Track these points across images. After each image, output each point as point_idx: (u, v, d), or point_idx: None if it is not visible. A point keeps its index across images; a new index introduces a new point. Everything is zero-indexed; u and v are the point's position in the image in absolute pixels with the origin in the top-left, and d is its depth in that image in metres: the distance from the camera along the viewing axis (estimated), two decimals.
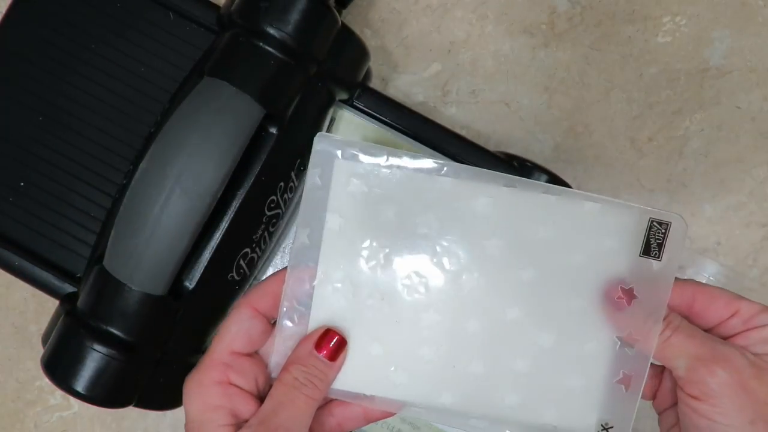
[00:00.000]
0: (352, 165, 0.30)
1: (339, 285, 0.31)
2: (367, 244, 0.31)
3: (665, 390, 0.33)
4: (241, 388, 0.31)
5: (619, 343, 0.31)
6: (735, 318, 0.30)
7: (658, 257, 0.30)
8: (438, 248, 0.31)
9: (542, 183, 0.31)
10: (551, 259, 0.31)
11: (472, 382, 0.31)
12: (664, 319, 0.30)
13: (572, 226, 0.30)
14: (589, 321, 0.31)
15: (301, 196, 0.32)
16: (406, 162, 0.30)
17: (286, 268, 0.31)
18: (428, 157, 0.30)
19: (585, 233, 0.30)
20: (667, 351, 0.30)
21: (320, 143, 0.30)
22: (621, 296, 0.30)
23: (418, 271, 0.31)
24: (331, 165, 0.30)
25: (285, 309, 0.31)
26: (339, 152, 0.30)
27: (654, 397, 0.34)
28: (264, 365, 0.32)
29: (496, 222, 0.31)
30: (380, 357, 0.31)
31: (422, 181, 0.30)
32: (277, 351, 0.32)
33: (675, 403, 0.32)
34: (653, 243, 0.30)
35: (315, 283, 0.31)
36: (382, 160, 0.30)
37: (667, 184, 0.51)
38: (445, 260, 0.31)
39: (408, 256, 0.31)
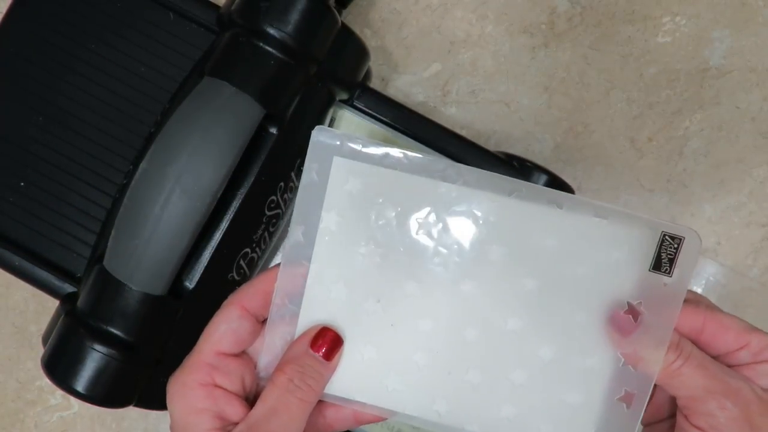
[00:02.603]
0: (351, 162, 0.29)
1: (332, 285, 0.30)
2: (363, 244, 0.30)
3: (658, 402, 0.32)
4: (226, 390, 0.30)
5: (623, 359, 0.30)
6: (744, 351, 0.29)
7: (669, 273, 0.28)
8: (438, 252, 0.30)
9: (550, 189, 0.29)
10: (556, 269, 0.29)
11: (467, 390, 0.30)
12: (676, 346, 0.29)
13: (579, 235, 0.29)
14: (592, 335, 0.29)
15: None
16: (408, 161, 0.29)
17: (277, 265, 0.30)
18: (431, 157, 0.29)
19: (592, 244, 0.29)
20: (676, 380, 0.29)
21: (318, 137, 0.29)
22: (627, 312, 0.29)
23: (416, 275, 0.30)
24: (329, 161, 0.29)
25: (276, 308, 0.30)
26: (338, 148, 0.29)
27: None
28: (251, 364, 0.31)
29: (499, 228, 0.29)
30: (374, 361, 0.30)
31: (424, 182, 0.29)
32: (267, 351, 0.30)
33: (666, 418, 0.32)
34: (664, 258, 0.28)
35: (307, 282, 0.30)
36: (382, 159, 0.29)
37: (667, 184, 0.51)
38: (445, 265, 0.30)
39: (406, 259, 0.30)
